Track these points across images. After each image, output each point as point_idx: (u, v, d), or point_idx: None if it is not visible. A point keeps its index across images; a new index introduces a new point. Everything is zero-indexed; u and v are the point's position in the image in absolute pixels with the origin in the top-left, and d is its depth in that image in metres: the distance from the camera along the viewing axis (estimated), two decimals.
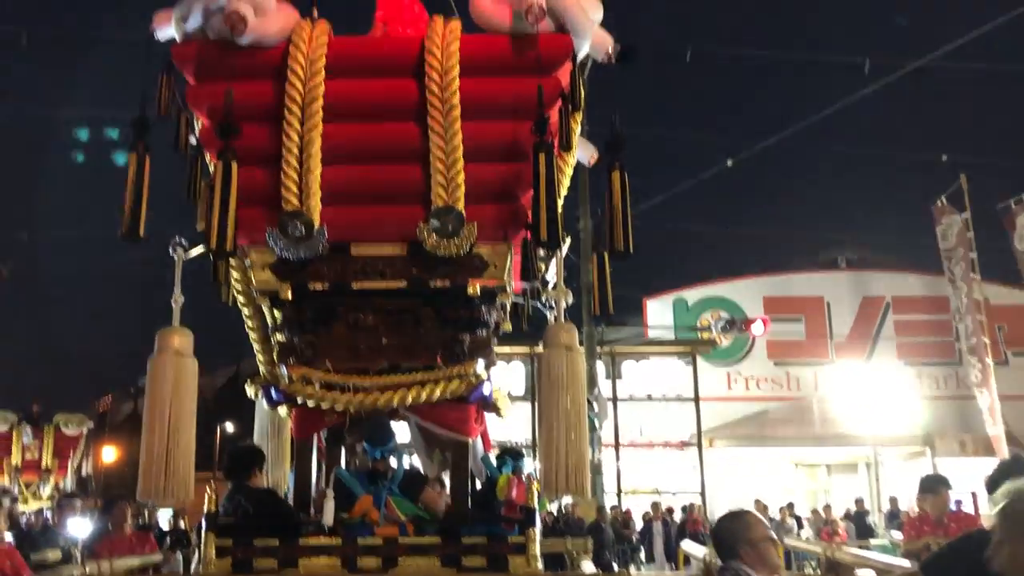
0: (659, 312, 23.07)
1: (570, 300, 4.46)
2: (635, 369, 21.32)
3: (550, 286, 4.73)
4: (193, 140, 4.36)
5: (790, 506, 17.40)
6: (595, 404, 15.13)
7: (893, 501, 17.53)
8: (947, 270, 20.68)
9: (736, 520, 3.35)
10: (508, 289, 4.48)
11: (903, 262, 24.55)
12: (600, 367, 18.20)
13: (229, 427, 24.97)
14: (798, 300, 23.34)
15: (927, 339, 23.06)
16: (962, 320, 20.33)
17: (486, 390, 4.29)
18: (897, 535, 11.15)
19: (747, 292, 23.34)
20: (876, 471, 20.54)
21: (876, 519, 18.61)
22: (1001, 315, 21.78)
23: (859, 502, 18.46)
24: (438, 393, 4.14)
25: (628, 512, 17.20)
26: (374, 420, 4.25)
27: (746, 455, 20.81)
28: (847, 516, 17.67)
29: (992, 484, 3.42)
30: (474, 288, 4.20)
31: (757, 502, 15.73)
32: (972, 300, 19.84)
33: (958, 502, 7.57)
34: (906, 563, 4.52)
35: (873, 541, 13.63)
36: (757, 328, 21.11)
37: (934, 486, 6.43)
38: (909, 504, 12.91)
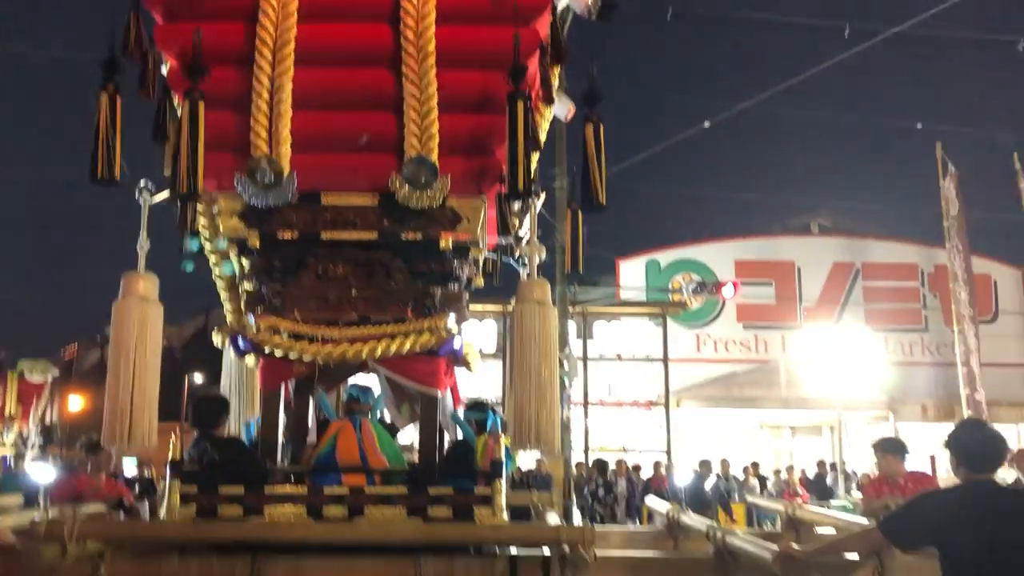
0: (631, 273, 23.14)
1: (543, 256, 4.44)
2: (606, 329, 21.40)
3: (524, 242, 4.70)
4: (161, 82, 4.25)
5: (754, 466, 17.67)
6: (566, 363, 15.19)
7: (854, 463, 17.87)
8: (948, 237, 20.83)
9: None
10: (481, 244, 4.46)
11: (874, 229, 24.79)
12: (571, 327, 18.23)
13: (197, 378, 24.82)
14: (769, 264, 23.51)
15: (894, 305, 23.38)
16: (953, 286, 20.55)
17: (456, 344, 4.28)
18: (857, 496, 11.39)
19: (719, 255, 23.45)
20: (840, 434, 20.87)
21: (838, 481, 18.98)
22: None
23: (821, 464, 18.78)
24: (408, 346, 4.13)
25: (603, 464, 17.10)
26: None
27: (713, 416, 21.07)
28: (809, 477, 18.00)
29: (953, 440, 3.48)
30: (446, 241, 4.17)
31: (724, 462, 15.97)
32: (963, 269, 20.09)
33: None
34: (864, 521, 4.59)
35: (833, 502, 13.86)
36: (728, 291, 21.26)
37: (892, 448, 6.62)
38: (869, 467, 13.15)
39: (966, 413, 17.70)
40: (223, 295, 4.93)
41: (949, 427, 3.70)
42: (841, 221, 25.14)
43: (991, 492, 3.38)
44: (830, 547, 4.01)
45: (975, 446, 3.45)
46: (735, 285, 21.13)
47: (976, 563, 3.21)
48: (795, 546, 3.83)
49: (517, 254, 5.05)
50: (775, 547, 3.82)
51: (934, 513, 3.46)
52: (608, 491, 15.60)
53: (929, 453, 10.31)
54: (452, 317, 4.27)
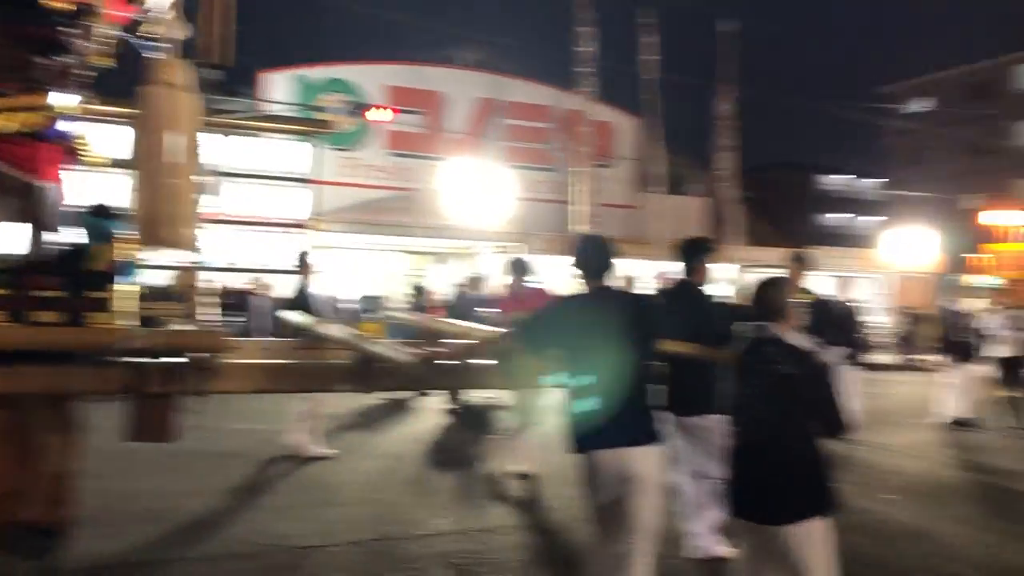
0: (278, 88, 21.99)
1: (186, 35, 3.87)
2: (248, 145, 20.27)
3: (161, 17, 4.06)
4: None
5: (395, 287, 18.23)
6: (204, 179, 14.18)
7: (487, 287, 19.13)
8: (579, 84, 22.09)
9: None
10: (100, 11, 3.77)
11: (517, 69, 25.78)
12: (211, 140, 16.98)
13: None
14: (421, 93, 23.60)
15: (530, 145, 24.87)
16: (578, 131, 22.11)
17: (65, 127, 3.66)
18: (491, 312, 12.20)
19: (371, 78, 23.04)
20: (476, 262, 22.15)
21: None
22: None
23: (458, 286, 19.89)
24: (5, 124, 3.45)
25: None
26: None
27: (356, 240, 21.21)
28: (446, 298, 19.01)
29: (572, 252, 3.81)
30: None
31: (367, 282, 16.21)
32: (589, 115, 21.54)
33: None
34: (496, 330, 4.85)
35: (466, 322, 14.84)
36: (378, 116, 21.01)
37: (518, 269, 7.44)
38: (499, 288, 14.11)
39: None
40: None
41: (565, 260, 4.01)
42: (491, 58, 25.81)
43: (604, 293, 3.72)
44: (468, 351, 4.19)
45: (590, 255, 3.77)
46: (393, 110, 20.91)
47: (584, 352, 3.55)
48: (435, 351, 3.94)
49: (152, 33, 4.37)
50: (416, 352, 3.90)
51: (556, 318, 3.77)
52: (245, 307, 15.25)
53: (553, 281, 11.26)
54: (62, 96, 3.62)
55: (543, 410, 7.09)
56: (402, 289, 19.46)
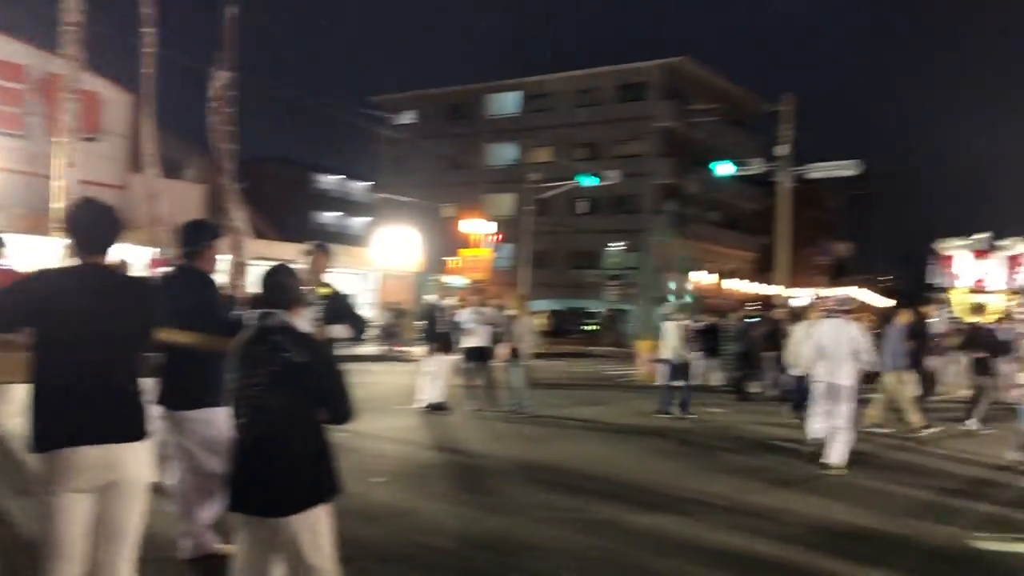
0: None
1: None
2: None
3: None
4: None
5: None
6: None
7: None
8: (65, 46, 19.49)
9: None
10: None
11: None
12: None
13: None
14: None
15: (3, 108, 21.62)
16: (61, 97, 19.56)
17: None
18: None
19: None
20: None
21: None
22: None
23: None
24: None
25: None
26: None
27: None
28: None
29: (67, 219, 3.40)
30: None
31: None
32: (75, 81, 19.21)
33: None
34: None
35: None
36: None
37: None
38: None
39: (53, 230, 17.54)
40: None
41: (42, 240, 3.55)
42: None
43: (97, 272, 3.33)
44: None
45: (89, 223, 3.36)
46: None
47: (66, 334, 3.16)
48: None
49: None
50: None
51: (28, 295, 3.27)
52: None
53: (28, 263, 9.87)
54: None
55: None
56: None
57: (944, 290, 26.18)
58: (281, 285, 3.54)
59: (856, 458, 9.39)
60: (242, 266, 6.23)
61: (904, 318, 12.74)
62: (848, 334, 9.43)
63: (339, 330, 6.55)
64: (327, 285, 6.84)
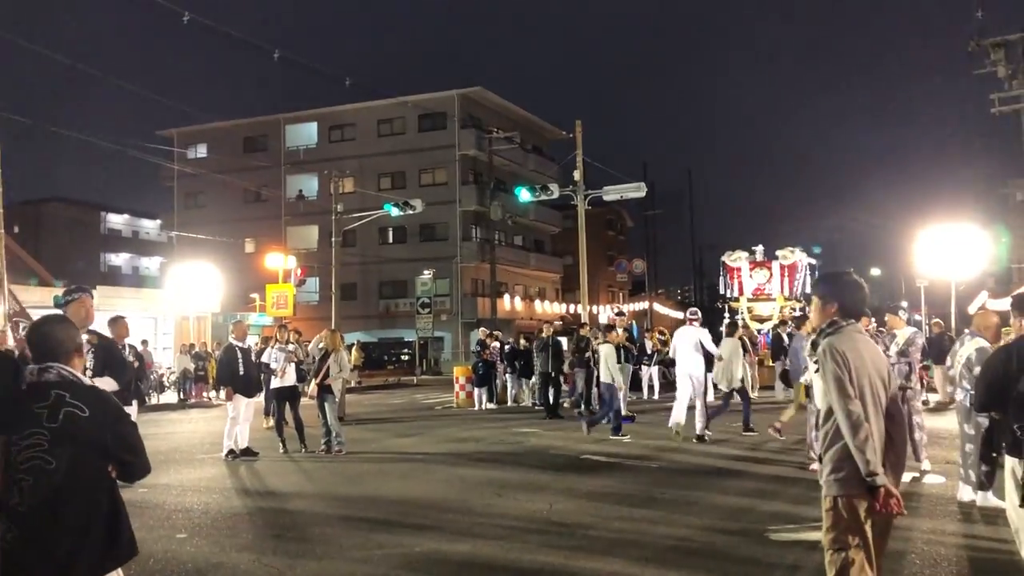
0: None
1: None
2: None
3: None
4: None
5: None
6: None
7: None
8: None
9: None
10: None
11: None
12: None
13: None
14: None
15: None
16: None
17: None
18: None
19: None
20: None
21: None
22: None
23: None
24: None
25: None
26: None
27: None
28: None
29: None
30: None
31: None
32: None
33: None
34: None
35: None
36: None
37: None
38: None
39: None
40: None
41: None
42: None
43: None
44: None
45: None
46: None
47: None
48: None
49: None
50: None
51: None
52: None
53: None
54: None
55: None
56: None
57: (735, 299, 28.05)
58: (53, 336, 3.27)
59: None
60: (8, 318, 5.70)
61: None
62: (696, 336, 13.34)
63: (106, 382, 6.16)
64: (92, 333, 6.41)
